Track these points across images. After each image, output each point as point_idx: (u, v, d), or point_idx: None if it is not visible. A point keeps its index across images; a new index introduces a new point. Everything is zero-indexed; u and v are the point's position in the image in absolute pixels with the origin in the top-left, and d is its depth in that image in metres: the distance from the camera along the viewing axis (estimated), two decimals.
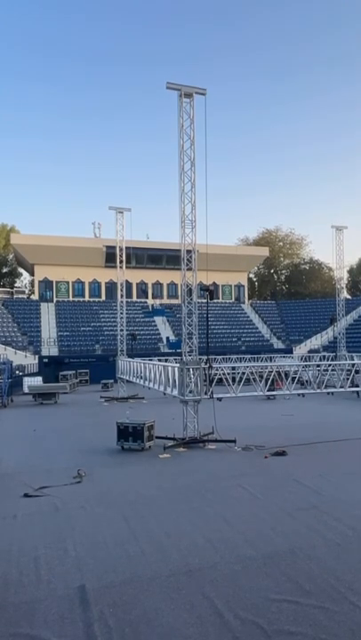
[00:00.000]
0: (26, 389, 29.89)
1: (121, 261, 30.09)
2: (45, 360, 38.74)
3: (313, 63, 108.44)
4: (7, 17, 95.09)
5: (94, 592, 6.06)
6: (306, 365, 20.15)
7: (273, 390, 19.74)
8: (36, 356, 40.19)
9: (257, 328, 53.67)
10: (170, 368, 17.05)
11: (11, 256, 66.48)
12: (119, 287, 31.09)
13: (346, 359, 32.24)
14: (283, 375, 18.42)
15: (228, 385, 16.03)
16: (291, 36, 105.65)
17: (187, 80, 15.80)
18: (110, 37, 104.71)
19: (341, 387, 17.68)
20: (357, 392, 21.92)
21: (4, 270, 69.83)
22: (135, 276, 51.85)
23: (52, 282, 52.74)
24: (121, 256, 30.08)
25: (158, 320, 51.00)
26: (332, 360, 30.15)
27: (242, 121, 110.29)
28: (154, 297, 55.50)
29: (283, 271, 78.61)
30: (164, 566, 6.75)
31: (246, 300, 60.53)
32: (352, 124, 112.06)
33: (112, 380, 32.48)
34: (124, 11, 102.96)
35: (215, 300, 55.70)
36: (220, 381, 16.03)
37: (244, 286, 61.03)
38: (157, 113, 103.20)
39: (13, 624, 5.42)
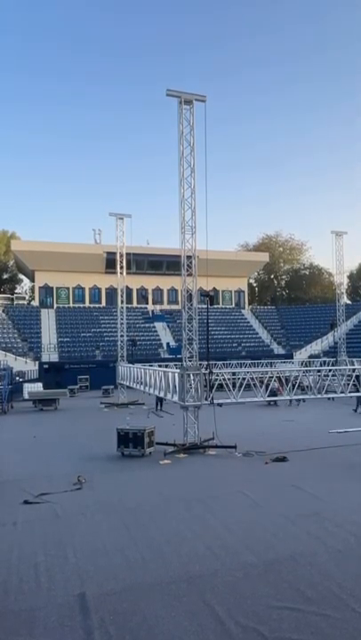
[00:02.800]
0: (26, 395, 29.84)
1: (121, 267, 30.16)
2: (46, 366, 38.72)
3: (314, 76, 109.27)
4: (8, 35, 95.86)
5: (94, 599, 6.02)
6: (306, 371, 20.12)
7: (274, 396, 19.71)
8: (37, 362, 40.15)
9: (257, 333, 53.62)
10: (170, 374, 17.04)
11: (11, 262, 66.54)
12: (119, 293, 31.13)
13: (346, 364, 32.20)
14: (283, 380, 18.37)
15: (229, 390, 16.00)
16: (292, 50, 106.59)
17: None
18: (111, 50, 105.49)
19: (342, 392, 17.65)
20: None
21: (5, 276, 69.91)
22: (135, 282, 51.86)
23: (52, 288, 52.74)
24: (121, 262, 30.15)
25: (158, 326, 50.98)
26: (332, 365, 30.08)
27: (242, 127, 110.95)
28: (154, 303, 55.48)
29: (283, 276, 78.65)
30: (164, 573, 6.72)
31: (246, 306, 60.51)
32: (353, 131, 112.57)
33: (112, 386, 32.43)
34: (124, 27, 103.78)
35: (215, 306, 55.69)
36: (220, 387, 16.02)
37: (244, 292, 61.03)
38: (158, 120, 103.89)
39: (13, 632, 5.39)
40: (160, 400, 24.05)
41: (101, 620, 5.56)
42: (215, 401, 15.29)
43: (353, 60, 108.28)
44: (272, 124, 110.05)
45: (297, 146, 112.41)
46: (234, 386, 16.40)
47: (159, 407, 24.54)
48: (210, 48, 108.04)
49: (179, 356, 30.18)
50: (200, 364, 15.90)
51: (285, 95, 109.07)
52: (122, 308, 30.85)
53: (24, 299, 61.88)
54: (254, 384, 16.89)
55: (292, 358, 44.99)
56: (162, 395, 17.93)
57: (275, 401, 23.49)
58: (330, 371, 18.65)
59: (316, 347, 49.70)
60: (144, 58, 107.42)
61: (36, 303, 53.34)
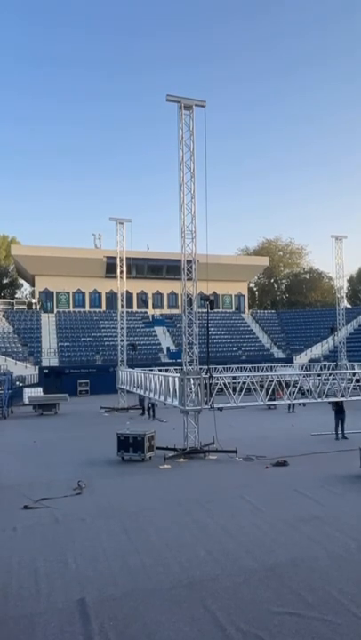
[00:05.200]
0: (26, 400, 29.81)
1: (121, 272, 30.19)
2: (46, 371, 38.69)
3: (314, 85, 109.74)
4: (10, 33, 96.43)
5: (94, 605, 6.00)
6: (307, 375, 20.10)
7: (274, 400, 19.67)
8: (37, 367, 40.10)
9: (257, 337, 53.59)
10: (170, 378, 17.03)
11: (11, 267, 66.61)
12: (120, 297, 31.15)
13: (347, 368, 32.18)
14: (283, 385, 18.36)
15: (229, 395, 15.99)
16: (291, 62, 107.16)
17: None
18: (110, 48, 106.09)
19: (343, 396, 17.62)
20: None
21: (5, 281, 69.92)
22: (135, 287, 51.90)
23: (52, 292, 52.78)
24: (121, 266, 30.19)
25: (159, 330, 50.96)
26: (332, 369, 30.07)
27: (242, 131, 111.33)
28: (154, 307, 55.48)
29: (283, 281, 78.69)
30: (164, 579, 6.70)
31: (247, 310, 60.50)
32: (353, 138, 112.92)
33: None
34: (127, 25, 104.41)
35: (215, 310, 55.67)
36: (220, 391, 16.00)
37: (244, 296, 61.05)
38: (159, 123, 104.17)
39: (13, 638, 5.37)
40: (152, 405, 23.88)
41: (101, 625, 5.54)
42: (215, 405, 15.27)
43: (351, 71, 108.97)
44: (272, 131, 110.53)
45: (297, 151, 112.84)
46: (234, 390, 16.39)
47: (151, 414, 24.08)
48: (210, 62, 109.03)
49: (179, 361, 30.12)
50: (200, 369, 15.89)
51: (286, 104, 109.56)
52: (122, 312, 30.85)
53: (24, 303, 61.84)
54: (254, 388, 16.86)
55: (293, 362, 44.94)
56: (162, 399, 17.89)
57: (275, 405, 23.44)
58: (330, 375, 18.63)
59: (317, 351, 49.68)
60: (144, 66, 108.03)
61: (36, 308, 53.37)
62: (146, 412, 24.65)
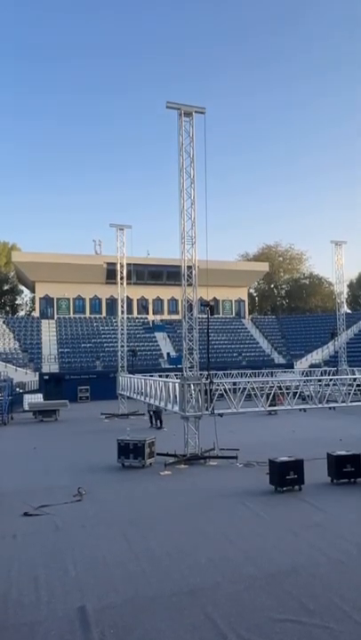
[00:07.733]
0: (26, 406, 29.75)
1: (122, 278, 30.24)
2: (46, 377, 38.67)
3: (314, 97, 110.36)
4: (8, 50, 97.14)
5: (95, 613, 5.97)
6: (307, 380, 20.06)
7: (274, 405, 19.64)
8: (37, 373, 40.06)
9: (258, 343, 53.55)
10: (170, 384, 17.01)
11: (12, 273, 66.72)
12: (120, 303, 31.17)
13: (347, 373, 32.14)
14: (284, 390, 18.33)
15: (230, 400, 15.96)
16: (292, 73, 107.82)
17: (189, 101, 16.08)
18: (109, 56, 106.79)
19: (343, 401, 17.60)
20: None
21: (6, 288, 70.01)
22: (136, 293, 51.90)
23: (52, 299, 52.83)
24: (122, 272, 30.25)
25: (159, 336, 50.94)
26: (333, 374, 30.03)
27: (241, 137, 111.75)
28: (154, 313, 55.50)
29: (283, 286, 78.78)
30: (165, 586, 6.67)
31: (247, 315, 60.50)
32: (353, 146, 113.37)
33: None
34: (128, 37, 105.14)
35: (216, 316, 55.65)
36: (220, 397, 15.98)
37: (244, 301, 61.06)
38: (159, 129, 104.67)
39: None
40: (157, 414, 22.79)
41: (102, 633, 5.51)
42: (216, 411, 15.24)
43: (351, 80, 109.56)
44: (273, 139, 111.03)
45: (298, 158, 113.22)
46: (235, 394, 16.35)
47: (157, 423, 23.08)
48: (211, 70, 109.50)
49: (179, 366, 30.10)
50: (200, 374, 15.88)
51: (286, 115, 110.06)
52: (122, 318, 30.87)
53: (31, 311, 61.67)
54: (255, 394, 16.84)
55: (293, 368, 44.89)
56: (162, 405, 17.86)
57: (275, 411, 23.40)
58: (331, 380, 18.62)
59: (317, 356, 49.62)
60: (144, 71, 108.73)
61: (36, 314, 53.40)
62: (155, 420, 23.31)
